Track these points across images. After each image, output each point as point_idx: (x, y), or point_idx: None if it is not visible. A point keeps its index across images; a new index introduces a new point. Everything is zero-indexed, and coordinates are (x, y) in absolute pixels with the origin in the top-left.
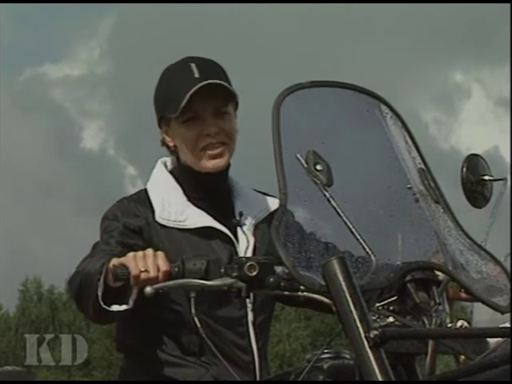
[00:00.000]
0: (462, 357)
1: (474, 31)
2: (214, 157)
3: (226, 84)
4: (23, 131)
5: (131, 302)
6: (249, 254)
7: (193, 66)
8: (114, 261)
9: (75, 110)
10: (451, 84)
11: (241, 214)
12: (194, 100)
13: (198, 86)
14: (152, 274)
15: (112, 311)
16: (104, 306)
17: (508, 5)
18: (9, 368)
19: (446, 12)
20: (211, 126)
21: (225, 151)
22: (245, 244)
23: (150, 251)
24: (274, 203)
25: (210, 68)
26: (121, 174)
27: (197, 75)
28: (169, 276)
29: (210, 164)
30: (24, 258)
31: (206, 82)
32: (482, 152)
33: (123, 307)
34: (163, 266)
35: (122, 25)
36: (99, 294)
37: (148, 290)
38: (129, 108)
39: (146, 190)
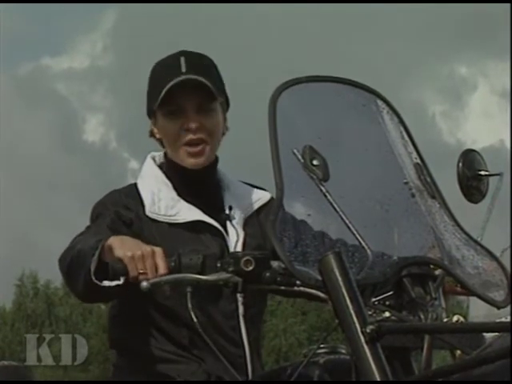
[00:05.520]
0: (459, 352)
1: (479, 25)
2: (193, 155)
3: (206, 82)
4: (26, 124)
5: (122, 279)
6: (239, 247)
7: (182, 59)
8: (113, 244)
9: (78, 103)
10: (457, 77)
11: (230, 208)
12: (177, 93)
13: (178, 79)
14: (150, 275)
15: (103, 286)
16: (95, 281)
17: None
18: (5, 363)
19: (451, 6)
20: (192, 121)
21: (204, 149)
22: (235, 237)
23: (148, 250)
24: (263, 196)
25: (200, 63)
26: (123, 168)
27: (183, 69)
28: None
29: (189, 161)
30: (22, 252)
31: (185, 77)
32: (487, 146)
33: (114, 283)
34: (162, 267)
35: (124, 18)
36: (92, 268)
37: (144, 284)
38: (132, 101)
39: (135, 185)
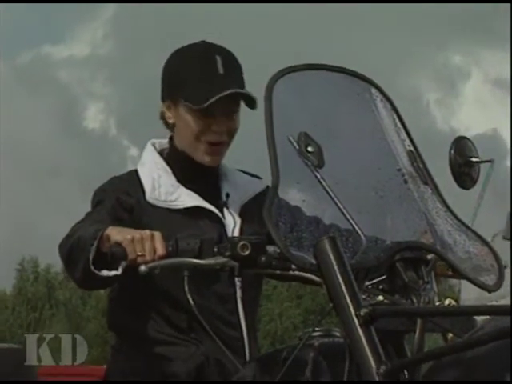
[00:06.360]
0: (450, 334)
1: (474, 14)
2: (211, 153)
3: (251, 94)
4: (27, 111)
5: (121, 269)
6: (236, 233)
7: (218, 59)
8: (111, 233)
9: (78, 90)
10: (451, 66)
11: (227, 195)
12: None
13: (227, 92)
14: (148, 258)
15: (101, 276)
16: (94, 270)
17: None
18: (5, 345)
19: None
20: (220, 125)
21: (223, 149)
22: (232, 224)
23: (147, 234)
24: (259, 184)
25: (233, 64)
26: (123, 155)
27: (221, 71)
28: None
29: (206, 158)
30: (23, 237)
31: (235, 91)
32: (480, 133)
33: (113, 273)
34: (160, 249)
35: (125, 6)
36: (90, 257)
37: (142, 268)
38: (132, 89)
39: (136, 171)
